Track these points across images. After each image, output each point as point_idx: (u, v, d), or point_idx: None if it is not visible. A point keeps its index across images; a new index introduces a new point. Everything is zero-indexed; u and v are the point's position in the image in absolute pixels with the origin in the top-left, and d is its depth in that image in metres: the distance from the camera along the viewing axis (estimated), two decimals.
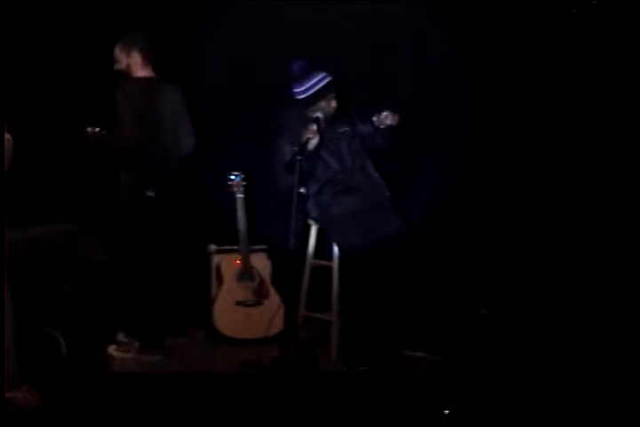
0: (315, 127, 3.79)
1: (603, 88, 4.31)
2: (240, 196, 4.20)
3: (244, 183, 4.20)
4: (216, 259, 4.31)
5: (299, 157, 3.60)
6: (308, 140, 3.77)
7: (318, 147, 3.87)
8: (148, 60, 4.02)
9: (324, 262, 4.07)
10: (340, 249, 3.91)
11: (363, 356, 3.76)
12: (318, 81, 3.92)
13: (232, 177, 4.19)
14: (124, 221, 3.98)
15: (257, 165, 4.37)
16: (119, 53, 3.98)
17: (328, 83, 3.94)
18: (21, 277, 3.26)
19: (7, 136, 3.37)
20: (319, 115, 3.87)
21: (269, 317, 4.08)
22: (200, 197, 4.57)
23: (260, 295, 4.23)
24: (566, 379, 3.53)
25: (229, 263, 4.25)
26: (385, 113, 3.77)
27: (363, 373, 3.66)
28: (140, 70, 4.01)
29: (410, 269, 3.83)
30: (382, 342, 3.81)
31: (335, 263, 3.94)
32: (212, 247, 4.36)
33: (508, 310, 4.32)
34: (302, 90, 3.92)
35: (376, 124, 3.82)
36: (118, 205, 4.01)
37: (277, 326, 4.06)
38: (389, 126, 3.80)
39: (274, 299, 4.21)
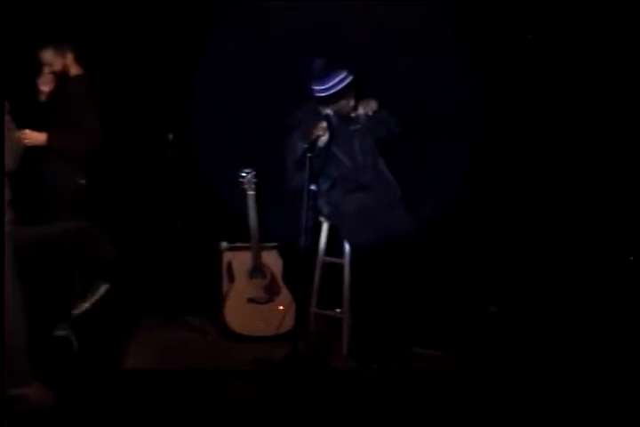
0: (324, 124, 3.79)
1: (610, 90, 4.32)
2: (251, 193, 4.19)
3: (256, 180, 4.19)
4: (227, 256, 4.31)
5: (309, 155, 3.59)
6: (318, 137, 3.76)
7: (329, 144, 3.87)
8: (77, 57, 4.22)
9: (335, 260, 4.06)
10: (351, 246, 3.90)
11: (373, 353, 3.76)
12: (340, 80, 3.89)
13: (243, 174, 4.18)
14: (50, 210, 4.07)
15: (268, 162, 4.37)
16: (54, 57, 4.16)
17: (350, 82, 3.92)
18: (32, 274, 3.27)
19: (16, 131, 3.37)
20: (329, 112, 3.87)
21: (280, 314, 4.08)
22: (211, 194, 4.58)
23: (271, 292, 4.23)
24: (577, 378, 3.52)
25: (240, 260, 4.25)
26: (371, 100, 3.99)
27: (373, 370, 3.65)
28: (75, 68, 4.21)
29: (420, 266, 3.82)
30: (393, 339, 3.81)
31: (346, 261, 3.94)
32: (224, 244, 4.36)
33: (518, 307, 4.30)
34: (324, 88, 3.89)
35: (363, 111, 3.99)
36: (42, 192, 4.13)
37: (288, 323, 4.07)
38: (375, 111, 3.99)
39: (285, 296, 4.22)
